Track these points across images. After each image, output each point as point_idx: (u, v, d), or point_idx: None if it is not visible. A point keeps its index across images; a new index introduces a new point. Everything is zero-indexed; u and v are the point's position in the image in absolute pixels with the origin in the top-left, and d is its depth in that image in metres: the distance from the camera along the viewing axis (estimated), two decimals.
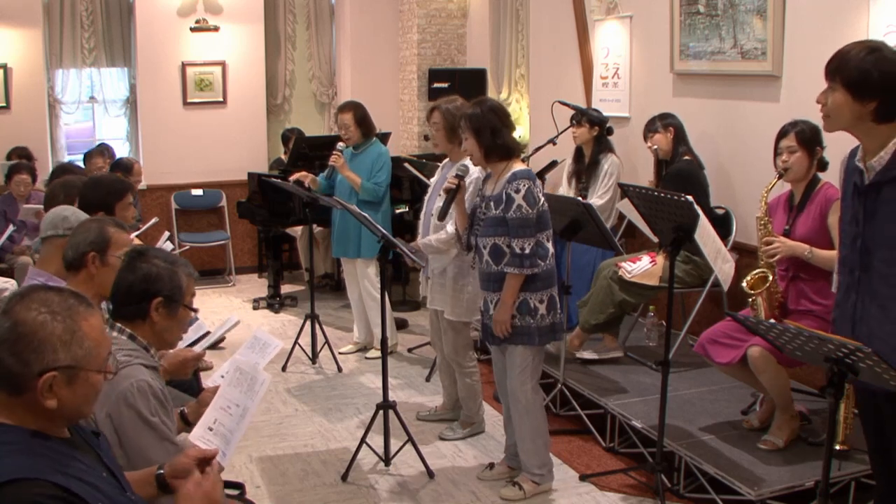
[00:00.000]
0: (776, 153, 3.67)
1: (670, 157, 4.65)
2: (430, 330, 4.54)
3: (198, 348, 2.86)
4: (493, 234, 3.56)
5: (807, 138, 3.59)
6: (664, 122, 4.67)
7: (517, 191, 3.47)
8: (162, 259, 2.38)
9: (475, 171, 3.83)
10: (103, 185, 3.87)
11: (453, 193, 3.70)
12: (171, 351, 2.65)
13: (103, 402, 2.18)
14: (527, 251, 3.47)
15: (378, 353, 5.50)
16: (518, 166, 3.57)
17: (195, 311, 2.48)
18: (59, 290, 1.71)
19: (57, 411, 1.64)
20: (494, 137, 3.54)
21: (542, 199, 3.54)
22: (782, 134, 3.66)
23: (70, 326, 1.64)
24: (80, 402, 1.68)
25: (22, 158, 6.83)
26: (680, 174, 4.47)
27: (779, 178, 3.63)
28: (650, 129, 4.71)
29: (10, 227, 5.92)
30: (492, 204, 3.56)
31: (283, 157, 7.67)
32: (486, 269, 3.62)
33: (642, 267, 4.51)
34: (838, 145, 3.84)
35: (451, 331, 4.24)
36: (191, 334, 3.05)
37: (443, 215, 3.81)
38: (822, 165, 3.66)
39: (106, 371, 1.72)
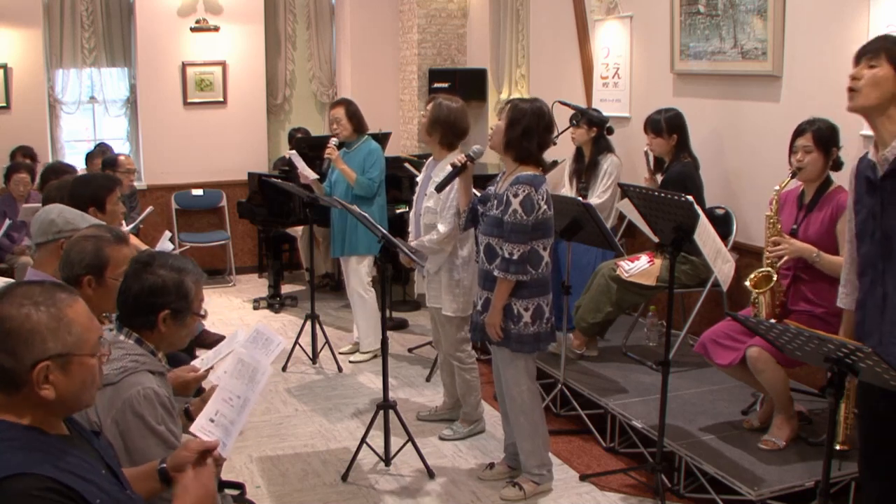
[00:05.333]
0: (791, 151, 3.60)
1: (668, 160, 4.63)
2: (432, 329, 4.54)
3: (199, 365, 2.81)
4: (489, 233, 3.57)
5: (824, 138, 3.52)
6: (670, 126, 4.56)
7: (515, 195, 3.43)
8: (168, 268, 2.31)
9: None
10: (93, 180, 3.96)
11: (458, 170, 3.69)
12: (173, 372, 2.63)
13: (109, 408, 2.17)
14: (515, 257, 3.44)
15: (361, 357, 5.54)
16: (528, 170, 3.52)
17: (203, 316, 2.45)
18: (40, 283, 1.71)
19: (56, 401, 1.63)
20: (523, 137, 3.50)
21: (545, 206, 3.48)
22: (799, 132, 3.58)
23: (55, 314, 1.64)
24: (79, 389, 1.67)
25: (26, 158, 6.82)
26: (680, 176, 4.43)
27: (791, 176, 3.57)
28: (655, 129, 4.60)
29: (7, 222, 5.91)
30: (494, 202, 3.56)
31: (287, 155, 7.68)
32: (481, 266, 3.66)
33: (640, 266, 4.51)
34: (854, 145, 3.84)
35: (448, 326, 4.26)
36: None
37: (441, 187, 3.81)
38: (837, 165, 3.60)
39: (100, 354, 1.71)
